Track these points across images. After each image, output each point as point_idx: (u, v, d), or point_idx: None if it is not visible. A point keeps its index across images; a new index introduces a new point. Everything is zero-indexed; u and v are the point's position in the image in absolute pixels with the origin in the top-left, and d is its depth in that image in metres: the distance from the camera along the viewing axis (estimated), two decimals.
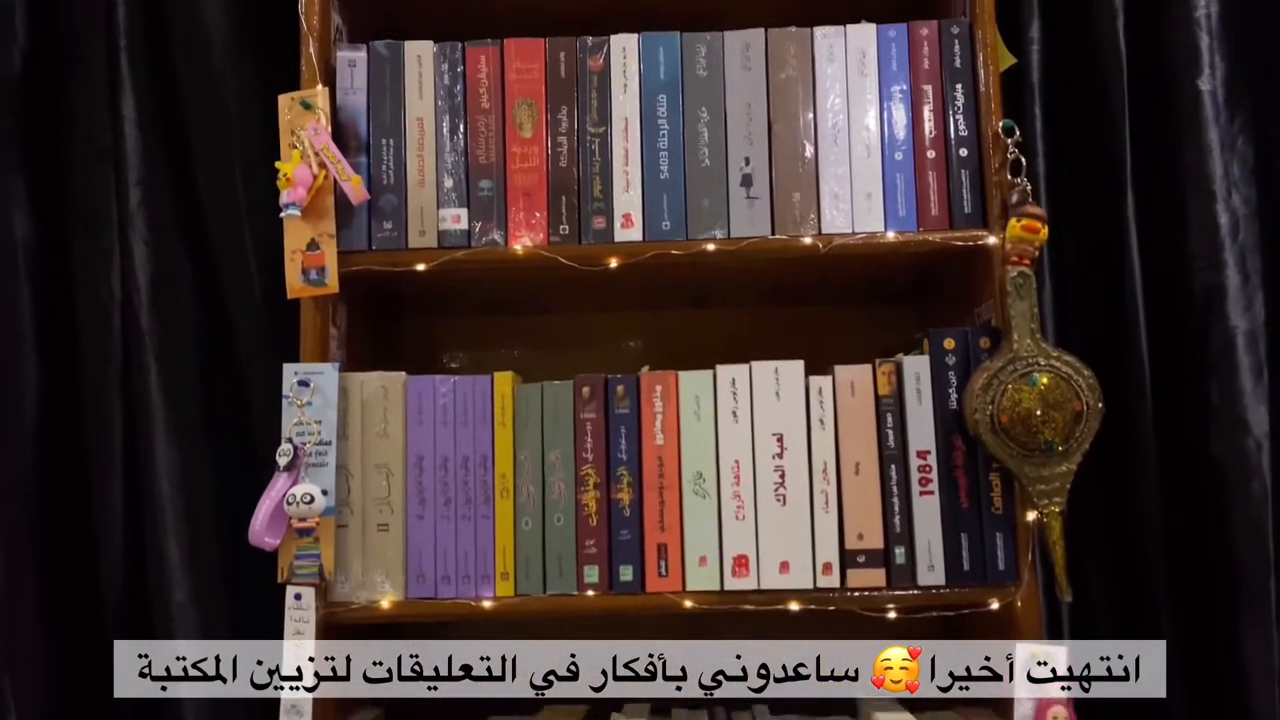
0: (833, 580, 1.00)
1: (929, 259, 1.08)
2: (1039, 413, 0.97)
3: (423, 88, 1.06)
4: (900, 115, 1.05)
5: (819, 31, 1.06)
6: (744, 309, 1.29)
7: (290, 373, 1.01)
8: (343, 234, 1.04)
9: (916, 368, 1.02)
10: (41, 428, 1.19)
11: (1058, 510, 0.98)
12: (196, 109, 1.23)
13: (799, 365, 1.03)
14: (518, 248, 1.04)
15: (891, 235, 1.04)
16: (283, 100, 1.04)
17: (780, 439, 1.02)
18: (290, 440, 1.00)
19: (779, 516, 1.01)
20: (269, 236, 1.17)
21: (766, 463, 1.02)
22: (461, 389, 1.04)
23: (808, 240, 1.04)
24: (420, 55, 1.06)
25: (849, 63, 1.06)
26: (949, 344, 1.03)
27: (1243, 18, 1.19)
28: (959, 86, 1.05)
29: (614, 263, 1.04)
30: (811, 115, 1.05)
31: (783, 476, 1.02)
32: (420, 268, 1.04)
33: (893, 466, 1.02)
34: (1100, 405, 0.99)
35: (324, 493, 0.98)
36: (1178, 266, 1.17)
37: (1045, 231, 1.00)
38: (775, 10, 1.10)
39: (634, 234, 1.05)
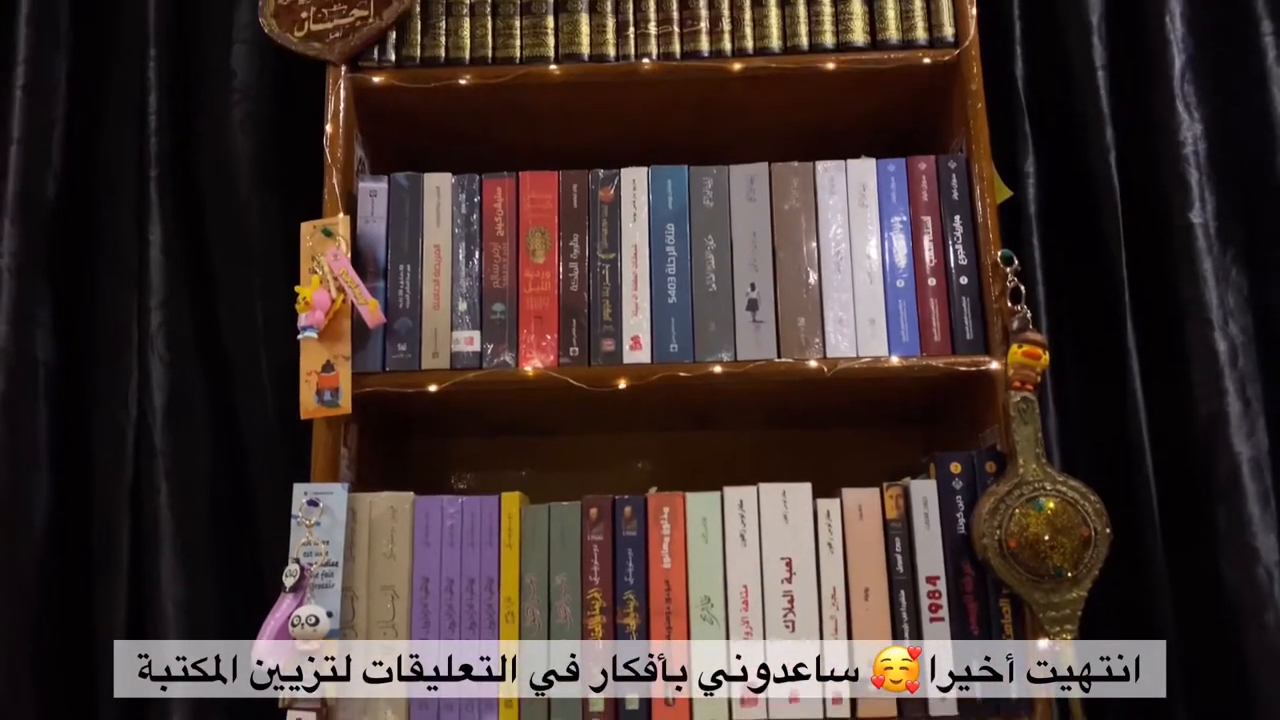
0: (843, 710, 0.98)
1: (933, 384, 1.10)
2: (1047, 538, 0.97)
3: (440, 216, 1.10)
4: (901, 244, 1.09)
5: (820, 166, 1.10)
6: (751, 431, 1.31)
7: (300, 493, 1.02)
8: (357, 356, 1.06)
9: (924, 492, 1.03)
10: (49, 547, 1.19)
11: (1070, 638, 0.97)
12: (220, 234, 1.27)
13: (806, 488, 1.03)
14: (528, 369, 1.06)
15: (895, 360, 1.06)
16: (305, 228, 1.08)
17: (789, 563, 1.02)
18: (297, 561, 0.99)
19: (788, 643, 1.00)
20: (284, 359, 1.19)
21: (775, 587, 1.01)
22: (469, 509, 1.04)
23: (813, 363, 1.06)
24: (439, 186, 1.11)
25: (850, 195, 1.10)
26: (955, 468, 1.03)
27: (1230, 154, 1.24)
28: (958, 217, 1.09)
29: (622, 384, 1.05)
30: (815, 244, 1.09)
31: (791, 602, 1.01)
32: (432, 388, 1.06)
33: (902, 592, 1.01)
34: (1108, 531, 0.98)
35: (329, 614, 0.98)
36: (1180, 393, 1.19)
37: (1046, 357, 1.02)
38: (778, 145, 1.15)
39: (642, 356, 1.07)
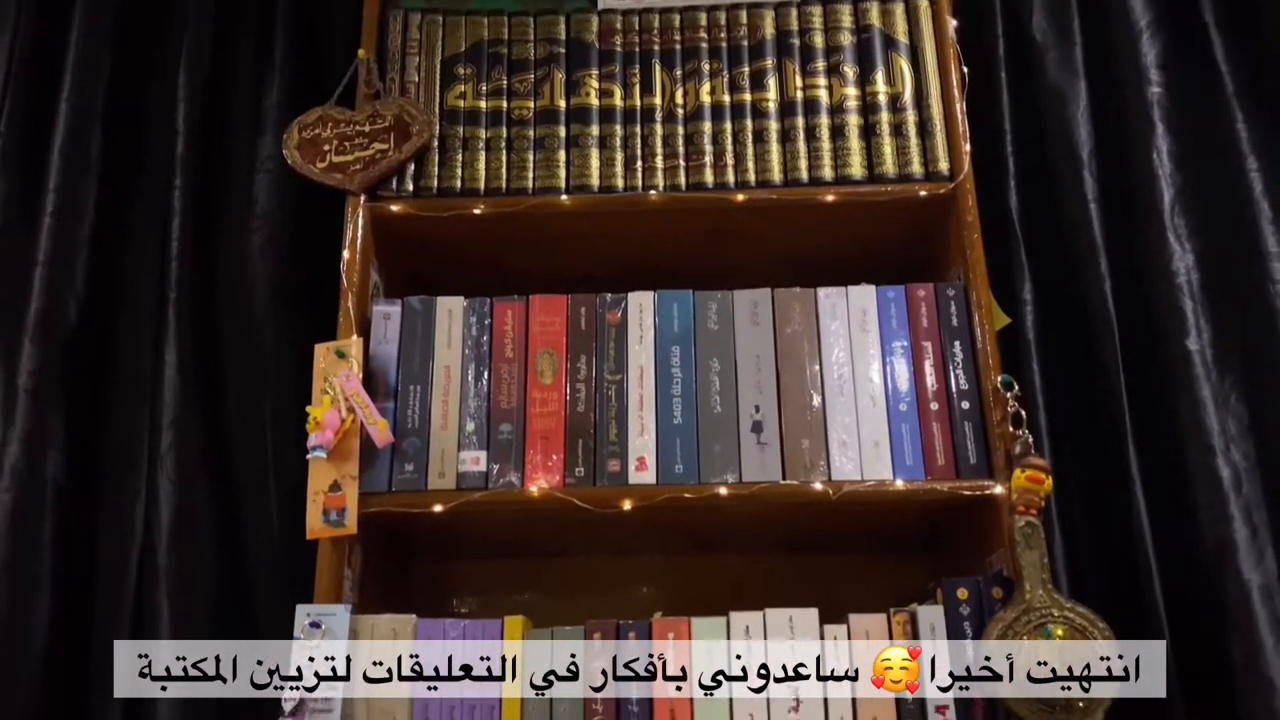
0: None
1: (938, 508, 1.10)
2: None
3: (452, 338, 1.13)
4: (902, 369, 1.11)
5: (822, 292, 1.13)
6: (757, 555, 1.30)
7: (303, 614, 1.01)
8: (365, 476, 1.07)
9: (931, 618, 1.01)
10: (47, 670, 1.18)
11: None
12: (235, 356, 1.30)
13: (813, 613, 1.02)
14: (534, 489, 1.07)
15: (900, 483, 1.06)
16: (319, 349, 1.10)
17: (796, 690, 1.00)
18: (297, 684, 0.98)
19: None
20: (291, 480, 1.20)
21: (782, 715, 0.99)
22: (471, 633, 1.03)
23: (818, 486, 1.06)
24: (451, 309, 1.14)
25: (851, 320, 1.12)
26: (962, 594, 1.02)
27: (1224, 284, 1.26)
28: (957, 343, 1.11)
29: (628, 505, 1.06)
30: (818, 367, 1.11)
31: None
32: (438, 509, 1.06)
33: None
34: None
35: None
36: (1186, 519, 1.18)
37: (1049, 482, 1.02)
38: (781, 271, 1.18)
39: (648, 477, 1.07)
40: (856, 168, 1.17)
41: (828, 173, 1.17)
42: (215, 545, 1.24)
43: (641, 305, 1.13)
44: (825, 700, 0.99)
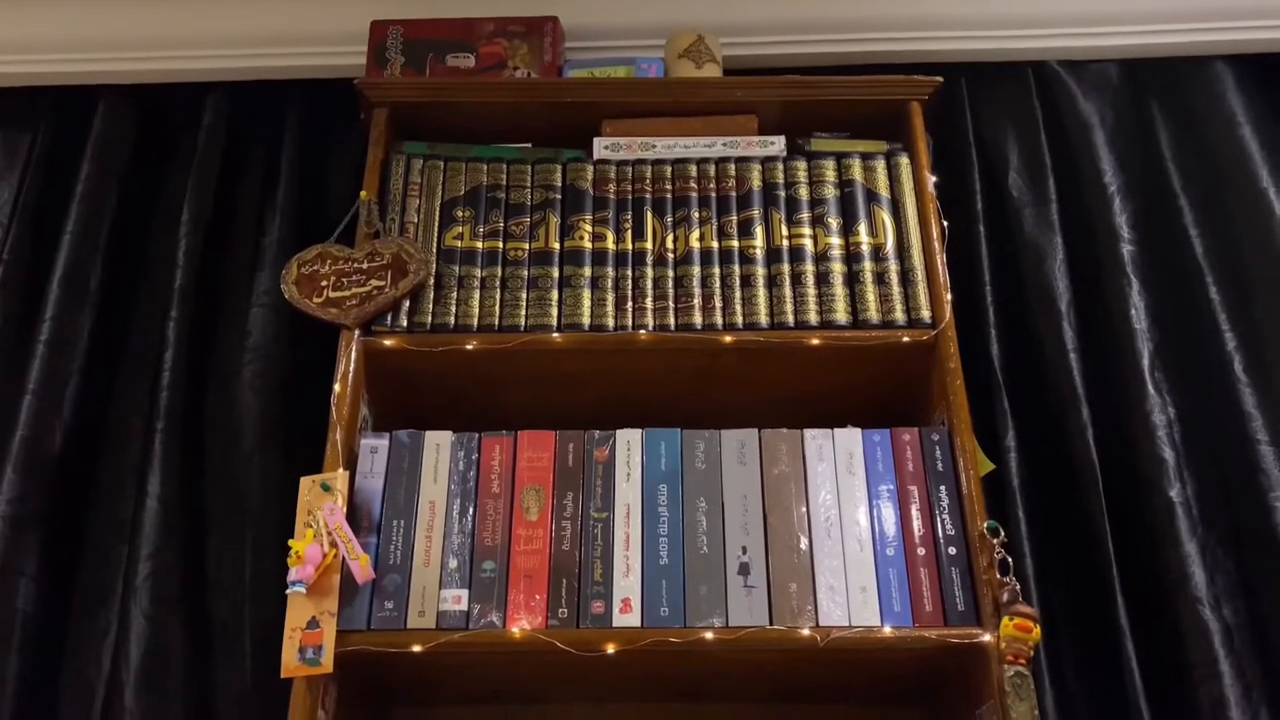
0: None
1: (927, 655, 1.08)
2: None
3: (438, 473, 1.12)
4: (889, 513, 1.10)
5: (808, 433, 1.14)
6: (744, 705, 1.26)
7: None
8: (344, 613, 1.05)
9: None
10: None
11: None
12: (219, 487, 1.29)
13: None
14: (515, 630, 1.05)
15: (888, 630, 1.05)
16: (304, 482, 1.10)
17: None
18: None
19: None
20: (267, 616, 1.17)
21: None
22: None
23: (806, 631, 1.04)
24: (439, 443, 1.14)
25: (838, 462, 1.13)
26: None
27: (1206, 439, 1.28)
28: (943, 488, 1.11)
29: (611, 649, 1.03)
30: (805, 509, 1.10)
31: None
32: (416, 649, 1.04)
33: None
34: None
35: None
36: (1178, 673, 1.16)
37: (1038, 631, 1.01)
38: (768, 412, 1.20)
39: (632, 619, 1.05)
40: (841, 313, 1.20)
41: (813, 317, 1.20)
42: (185, 683, 1.20)
43: (629, 443, 1.14)
44: None
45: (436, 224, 1.25)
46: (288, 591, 1.03)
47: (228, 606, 1.24)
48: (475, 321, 1.20)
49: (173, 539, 1.25)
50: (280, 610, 1.05)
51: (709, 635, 1.04)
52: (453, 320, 1.20)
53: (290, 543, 1.06)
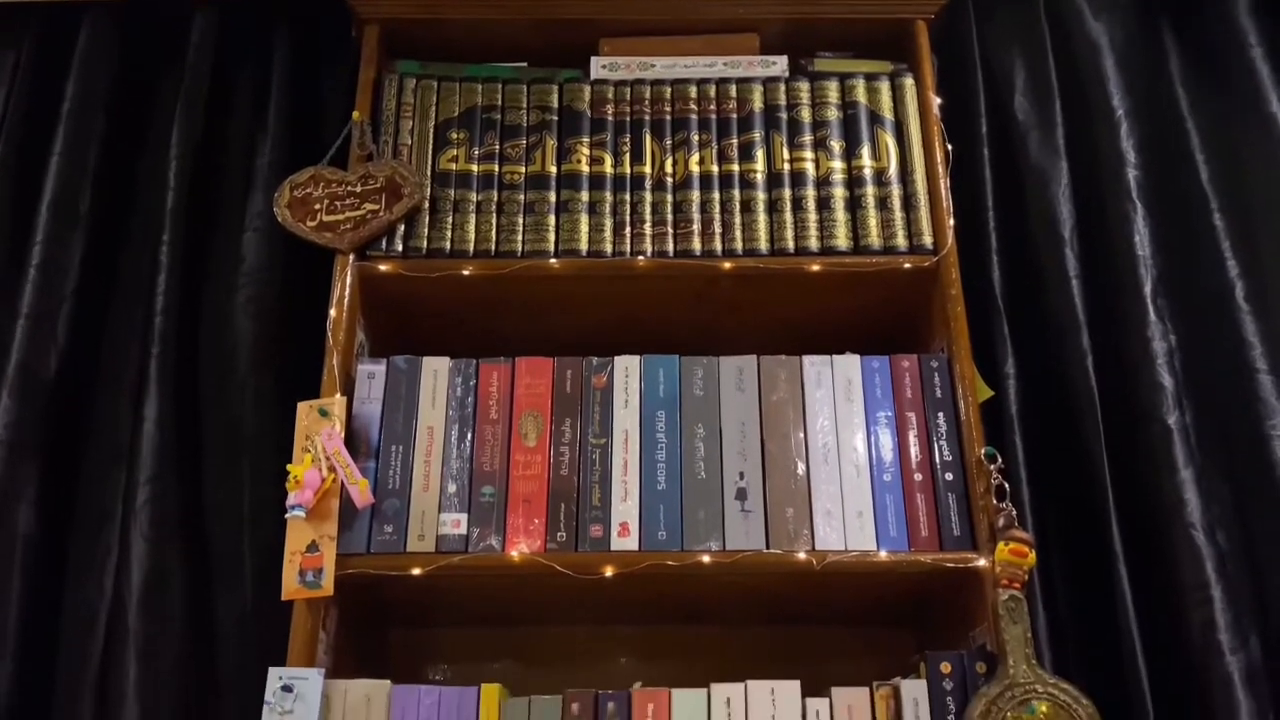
0: None
1: (922, 580, 1.09)
2: None
3: (436, 399, 1.12)
4: (887, 439, 1.11)
5: (807, 360, 1.14)
6: (739, 627, 1.28)
7: (275, 677, 0.99)
8: (343, 536, 1.05)
9: (914, 692, 1.00)
10: None
11: None
12: (215, 413, 1.29)
13: (795, 686, 1.01)
14: (514, 554, 1.06)
15: (884, 554, 1.06)
16: (301, 407, 1.10)
17: None
18: None
19: None
20: (267, 541, 1.18)
21: None
22: (447, 700, 1.01)
23: (802, 555, 1.05)
24: (437, 369, 1.13)
25: (836, 389, 1.13)
26: (945, 668, 1.01)
27: (1207, 368, 1.27)
28: (941, 415, 1.11)
29: (609, 571, 1.04)
30: (802, 435, 1.11)
31: None
32: (416, 572, 1.05)
33: None
34: None
35: None
36: (1170, 597, 1.17)
37: (1033, 556, 1.02)
38: (766, 339, 1.19)
39: (630, 543, 1.06)
40: (842, 239, 1.18)
41: (813, 243, 1.18)
42: (186, 606, 1.21)
43: (628, 369, 1.13)
44: None
45: (430, 146, 1.23)
46: (286, 516, 1.04)
47: (227, 531, 1.24)
48: (471, 246, 1.18)
49: (170, 464, 1.25)
50: (280, 534, 1.06)
51: (706, 558, 1.05)
52: (448, 245, 1.18)
53: (288, 467, 1.06)
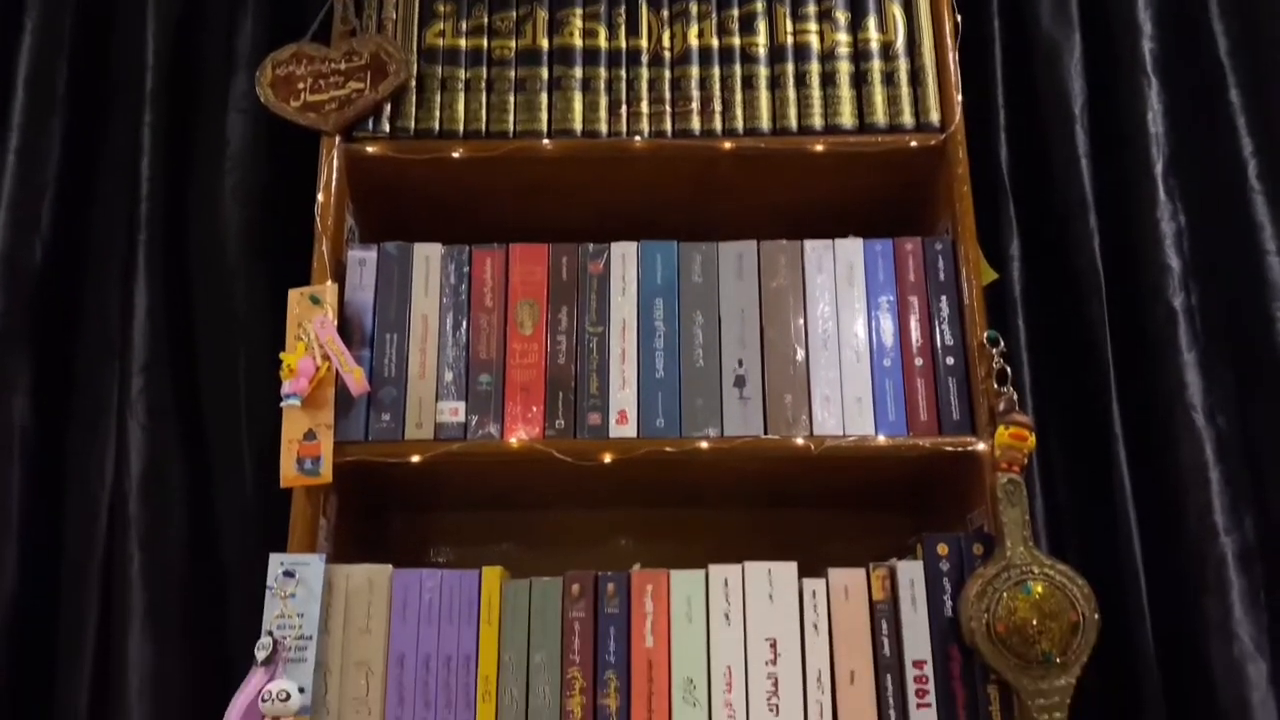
0: None
1: (920, 464, 1.09)
2: (1035, 622, 0.96)
3: (429, 286, 1.10)
4: (888, 324, 1.09)
5: (809, 244, 1.11)
6: (737, 510, 1.29)
7: (276, 563, 0.99)
8: (340, 425, 1.05)
9: (911, 573, 1.01)
10: (14, 616, 1.16)
11: None
12: (206, 301, 1.27)
13: (792, 567, 1.02)
14: (513, 441, 1.05)
15: (882, 439, 1.06)
16: (293, 295, 1.08)
17: (773, 644, 1.00)
18: (270, 633, 0.97)
19: None
20: (265, 429, 1.18)
21: (759, 669, 0.99)
22: (448, 583, 1.02)
23: (800, 441, 1.05)
24: (429, 256, 1.11)
25: (838, 274, 1.11)
26: (942, 549, 1.02)
27: (1215, 252, 1.25)
28: (944, 298, 1.10)
29: (608, 458, 1.05)
30: (802, 321, 1.09)
31: (776, 685, 0.99)
32: (415, 459, 1.05)
33: (889, 676, 0.99)
34: (1097, 616, 0.97)
35: (301, 690, 0.95)
36: (1167, 479, 1.18)
37: (1033, 439, 1.01)
38: (767, 222, 1.16)
39: (628, 430, 1.06)
40: (847, 116, 1.14)
41: (817, 121, 1.14)
42: (187, 493, 1.22)
43: (624, 256, 1.11)
44: (803, 652, 0.99)
45: (416, 20, 1.17)
46: (282, 405, 1.03)
47: (225, 419, 1.24)
48: (460, 127, 1.14)
49: (164, 353, 1.24)
50: (277, 423, 1.05)
51: (704, 445, 1.04)
52: (437, 125, 1.14)
53: (282, 356, 1.05)
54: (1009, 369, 1.04)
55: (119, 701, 1.13)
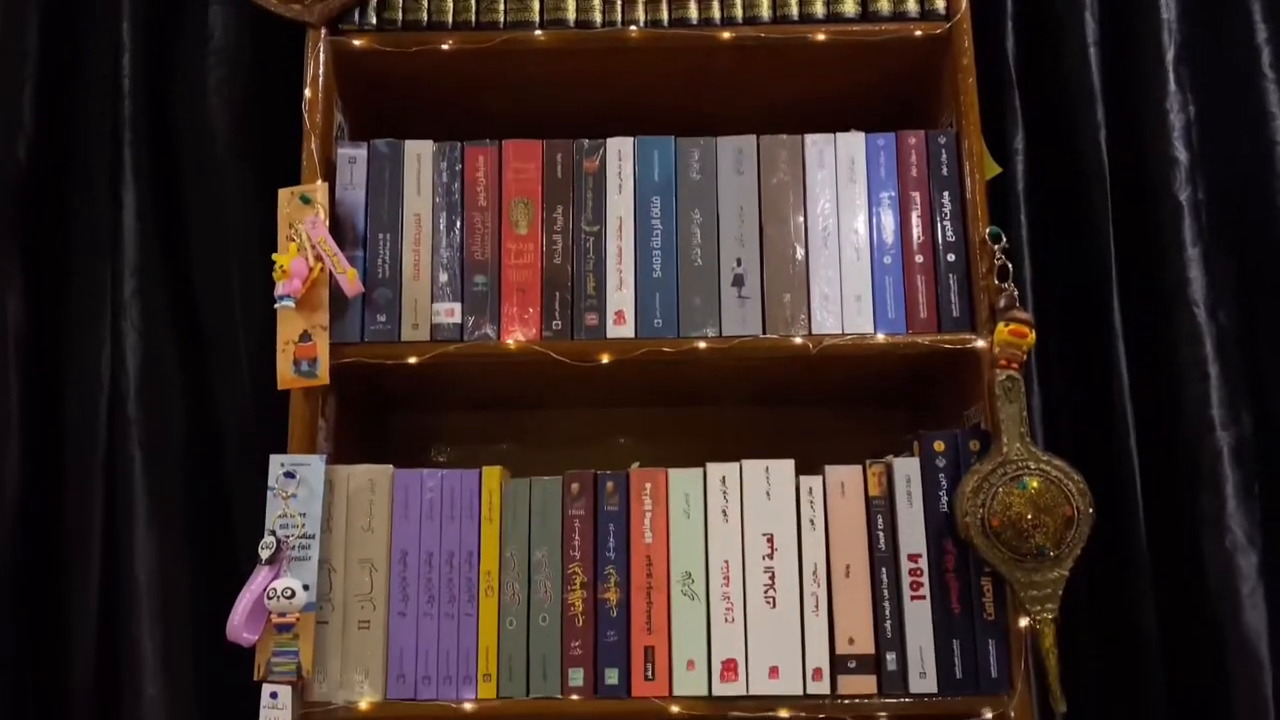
0: (823, 686, 0.98)
1: (919, 362, 1.09)
2: (1030, 517, 0.97)
3: (421, 185, 1.08)
4: (889, 220, 1.08)
5: (809, 139, 1.09)
6: (735, 408, 1.30)
7: (277, 464, 1.00)
8: (336, 326, 1.04)
9: (907, 469, 1.02)
10: (20, 516, 1.18)
11: (1050, 618, 0.97)
12: (196, 201, 1.25)
13: (789, 465, 1.03)
14: (510, 342, 1.05)
15: (881, 337, 1.05)
16: (282, 194, 1.06)
17: (770, 539, 1.01)
18: (273, 533, 0.98)
19: (769, 619, 0.99)
20: (261, 329, 1.17)
21: (756, 563, 1.01)
22: (449, 483, 1.03)
23: (798, 340, 1.04)
24: (420, 154, 1.09)
25: (839, 169, 1.08)
26: (939, 446, 1.02)
27: (1224, 142, 1.22)
28: (946, 194, 1.08)
29: (605, 359, 1.04)
30: (802, 219, 1.07)
31: (773, 578, 1.00)
32: (412, 360, 1.04)
33: (884, 569, 1.00)
34: (1091, 511, 0.98)
35: (305, 588, 0.97)
36: (1165, 376, 1.18)
37: (1033, 336, 1.01)
38: (767, 118, 1.14)
39: (626, 331, 1.05)
40: (850, 4, 1.10)
41: (819, 9, 1.10)
42: (185, 396, 1.23)
43: (620, 152, 1.09)
44: (799, 546, 1.01)
45: None
46: (276, 306, 1.03)
47: (219, 321, 1.24)
48: (450, 18, 1.10)
49: (155, 255, 1.23)
50: (272, 325, 1.04)
51: (701, 345, 1.04)
52: (425, 16, 1.10)
53: (274, 257, 1.03)
54: (1010, 265, 1.03)
55: (129, 597, 1.15)
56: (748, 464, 1.03)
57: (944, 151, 1.08)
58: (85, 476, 1.19)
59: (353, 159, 1.09)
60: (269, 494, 0.99)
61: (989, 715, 0.97)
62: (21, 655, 1.16)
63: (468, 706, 0.98)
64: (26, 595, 1.17)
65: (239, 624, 0.95)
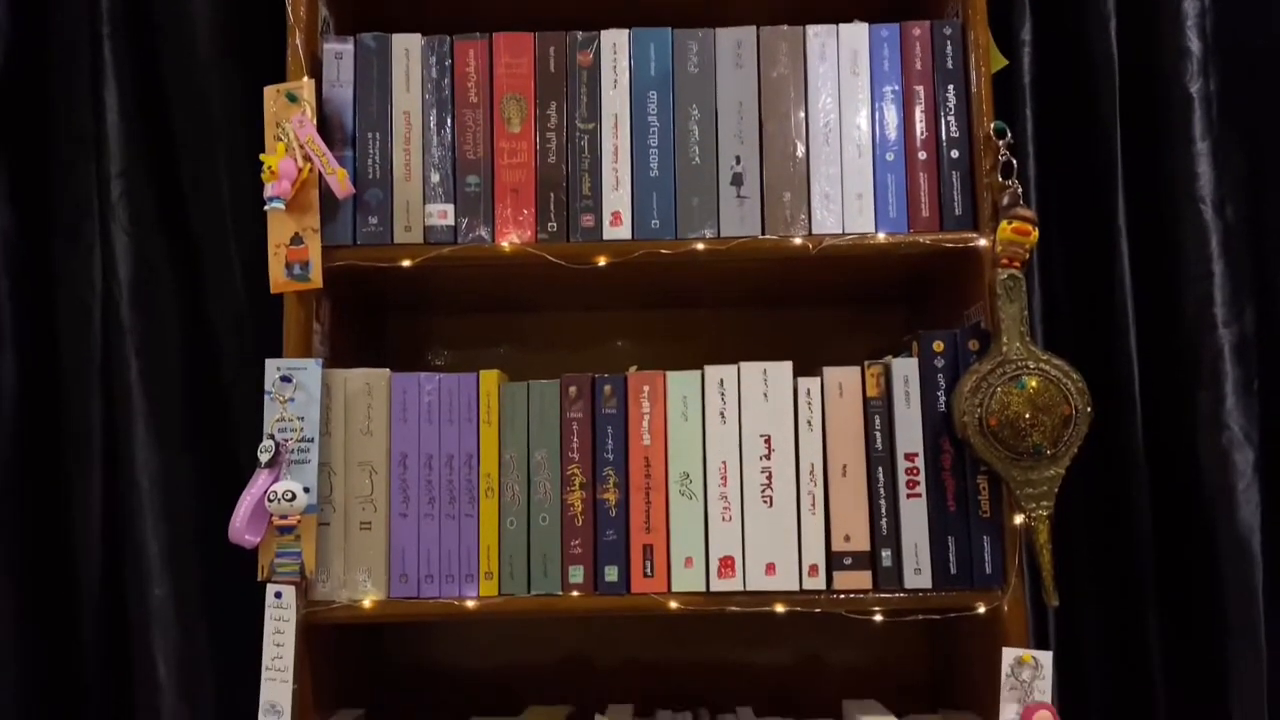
0: (819, 582, 1.00)
1: (920, 261, 1.08)
2: (1027, 416, 0.97)
3: (410, 81, 1.05)
4: (892, 116, 1.05)
5: (811, 30, 1.05)
6: (733, 310, 1.29)
7: (273, 368, 1.00)
8: (327, 228, 1.03)
9: (905, 370, 1.02)
10: (19, 423, 1.18)
11: (1045, 515, 0.98)
12: (180, 100, 1.22)
13: (787, 366, 1.02)
14: (505, 245, 1.03)
15: (882, 236, 1.03)
16: (268, 92, 1.03)
17: (768, 440, 1.01)
18: (272, 436, 0.98)
19: (766, 518, 1.00)
20: (253, 231, 1.15)
21: (754, 464, 1.01)
22: (447, 387, 1.03)
23: (798, 241, 1.03)
24: (408, 48, 1.05)
25: (841, 62, 1.05)
26: (938, 346, 1.02)
27: (1239, 34, 1.18)
28: (951, 88, 1.05)
29: (602, 261, 1.03)
30: (803, 114, 1.05)
31: (770, 478, 1.01)
32: (406, 263, 1.03)
33: (880, 469, 1.01)
34: (1089, 409, 0.98)
35: (306, 490, 0.97)
36: (1168, 274, 1.17)
37: (1036, 234, 0.99)
38: (767, 8, 1.10)
39: (623, 232, 1.04)
40: None
41: None
42: (178, 300, 1.22)
43: (615, 45, 1.05)
44: (796, 447, 1.01)
45: None
46: (266, 208, 1.01)
47: (210, 223, 1.22)
48: None
49: (141, 156, 1.20)
50: (263, 226, 1.03)
51: (700, 246, 1.02)
52: None
53: (262, 158, 1.01)
54: (1015, 162, 1.01)
55: (132, 497, 1.16)
56: (745, 366, 1.02)
57: (949, 43, 1.05)
58: (82, 384, 1.19)
59: (339, 54, 1.05)
60: (266, 398, 0.99)
61: (981, 609, 0.98)
62: (28, 562, 1.17)
63: (470, 604, 1.00)
64: (29, 504, 1.18)
65: (240, 526, 0.95)
